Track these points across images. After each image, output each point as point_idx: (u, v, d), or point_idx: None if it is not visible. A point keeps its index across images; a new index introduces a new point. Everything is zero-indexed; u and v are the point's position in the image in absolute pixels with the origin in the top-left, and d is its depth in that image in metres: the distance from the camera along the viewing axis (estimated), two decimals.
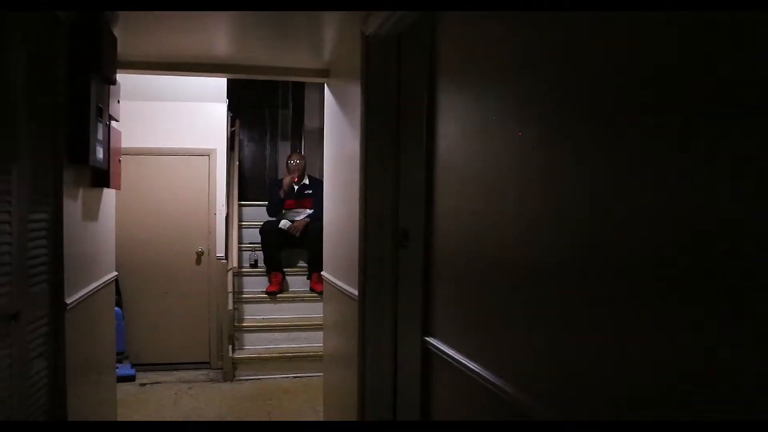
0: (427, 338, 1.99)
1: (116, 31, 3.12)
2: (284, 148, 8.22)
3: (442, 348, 1.88)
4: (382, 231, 2.82)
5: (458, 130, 1.83)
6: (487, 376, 1.56)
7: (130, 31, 3.20)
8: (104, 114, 3.00)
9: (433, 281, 1.98)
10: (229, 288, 5.48)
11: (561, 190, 1.26)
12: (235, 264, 5.72)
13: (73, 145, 2.66)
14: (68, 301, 2.62)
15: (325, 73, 3.91)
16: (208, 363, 5.51)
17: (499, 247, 1.54)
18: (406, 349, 2.69)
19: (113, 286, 3.76)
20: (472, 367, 1.66)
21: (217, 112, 5.55)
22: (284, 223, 5.73)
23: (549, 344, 1.31)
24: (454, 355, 1.79)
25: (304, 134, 7.99)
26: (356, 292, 2.94)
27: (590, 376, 1.17)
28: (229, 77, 4.98)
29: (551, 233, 1.30)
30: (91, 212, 3.15)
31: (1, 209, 1.97)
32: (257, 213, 6.30)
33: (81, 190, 2.91)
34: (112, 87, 3.15)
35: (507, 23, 1.52)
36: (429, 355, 1.98)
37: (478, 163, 1.67)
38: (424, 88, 2.11)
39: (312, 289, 5.76)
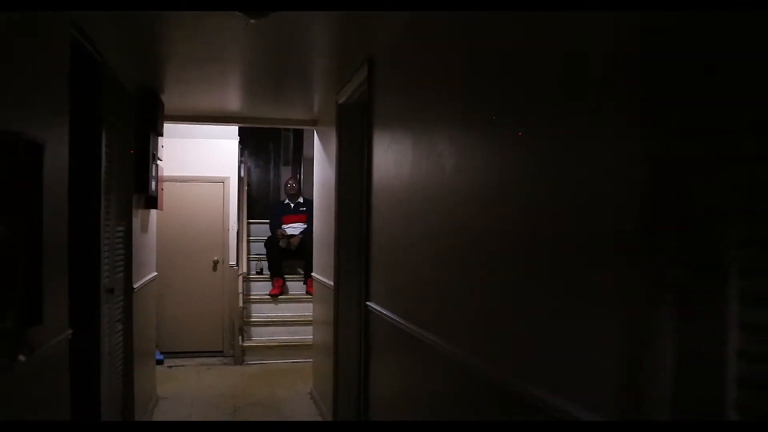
0: (366, 302, 3.20)
1: (163, 97, 4.38)
2: (286, 173, 9.52)
3: (375, 307, 3.08)
4: (349, 239, 4.03)
5: (384, 162, 3.02)
6: (400, 320, 2.69)
7: (171, 96, 4.45)
8: (155, 157, 4.26)
9: (370, 266, 3.20)
10: (240, 290, 6.71)
11: (441, 201, 2.46)
12: (245, 270, 6.96)
13: (138, 181, 3.92)
14: (135, 286, 3.85)
15: (314, 122, 5.19)
16: (222, 351, 6.71)
17: (406, 244, 2.72)
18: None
19: (155, 283, 4.99)
20: (391, 316, 2.82)
21: (230, 147, 6.82)
22: (283, 242, 6.95)
23: (434, 303, 2.48)
24: (381, 310, 2.98)
25: (302, 161, 9.25)
26: (332, 283, 4.17)
27: (449, 313, 2.32)
28: (240, 126, 6.26)
29: (434, 234, 2.47)
30: (144, 226, 4.39)
31: (106, 223, 3.21)
32: (263, 229, 7.54)
33: (140, 211, 4.16)
34: (159, 137, 4.41)
35: (401, 99, 2.74)
36: (367, 312, 3.19)
37: (395, 182, 2.84)
38: (365, 139, 3.34)
39: (307, 292, 6.95)
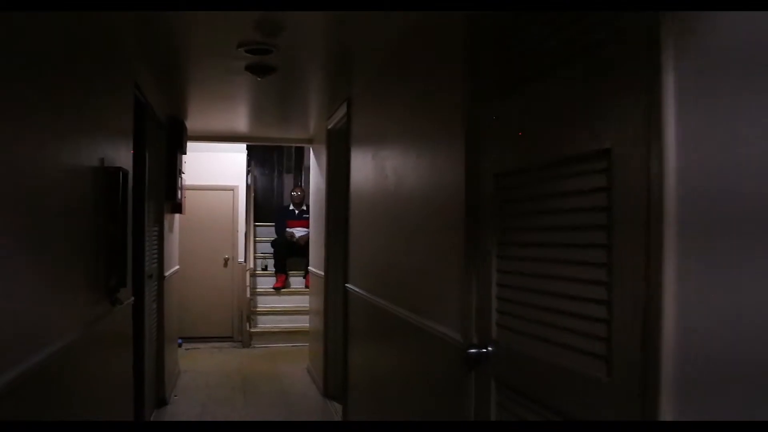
0: (346, 284, 4.19)
1: (186, 123, 5.39)
2: (288, 180, 10.53)
3: (352, 287, 4.06)
4: (336, 235, 5.02)
5: (357, 175, 4.01)
6: (368, 295, 3.67)
7: (193, 121, 5.45)
8: (180, 171, 5.26)
9: (349, 255, 4.18)
10: (247, 284, 7.71)
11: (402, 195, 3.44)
12: (252, 266, 7.96)
13: (168, 191, 4.92)
14: (165, 274, 4.85)
15: (310, 141, 6.19)
16: (231, 337, 7.71)
17: (369, 235, 3.69)
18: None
19: (178, 275, 5.99)
20: (363, 292, 3.80)
21: (239, 159, 7.85)
22: (289, 237, 7.95)
23: (381, 275, 3.46)
24: (356, 290, 3.96)
25: (303, 169, 10.24)
26: (323, 273, 5.16)
27: (385, 279, 3.31)
28: (248, 144, 7.30)
29: (380, 227, 3.46)
30: (171, 227, 5.40)
31: (147, 224, 4.19)
32: (268, 231, 8.56)
33: (167, 215, 5.16)
34: (183, 155, 5.41)
35: (367, 130, 3.71)
36: (346, 292, 4.18)
37: (363, 190, 3.83)
38: (346, 157, 4.33)
39: (306, 286, 7.93)
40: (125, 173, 2.66)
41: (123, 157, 2.92)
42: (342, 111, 4.40)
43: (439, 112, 2.40)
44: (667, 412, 1.18)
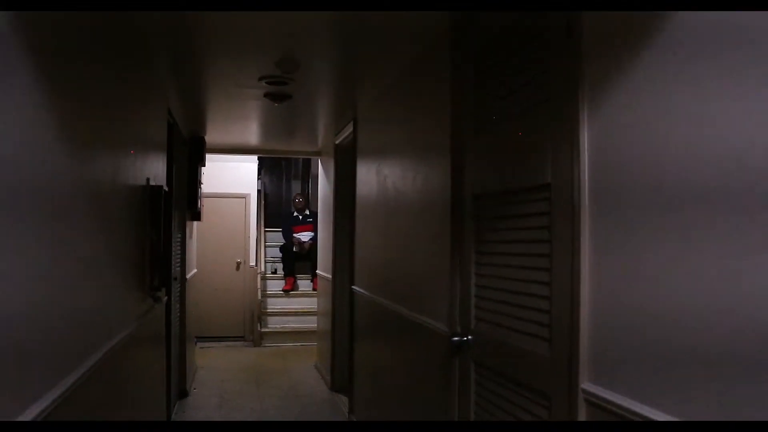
0: (352, 286, 4.65)
1: (205, 137, 5.86)
2: (296, 187, 11.00)
3: (357, 289, 4.52)
4: (343, 240, 5.48)
5: (362, 185, 4.47)
6: (372, 295, 4.13)
7: (211, 135, 5.93)
8: (200, 182, 5.73)
9: (354, 259, 4.64)
10: (258, 286, 8.17)
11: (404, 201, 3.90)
12: (262, 270, 8.43)
13: (190, 201, 5.39)
14: (187, 276, 5.32)
15: (318, 153, 6.67)
16: (243, 336, 8.17)
17: (373, 240, 4.15)
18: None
19: (197, 278, 6.47)
20: (367, 293, 4.25)
21: (251, 168, 8.32)
22: (296, 247, 8.42)
23: (382, 277, 3.91)
24: (361, 291, 4.41)
25: (310, 177, 10.72)
26: (330, 276, 5.62)
27: (387, 280, 3.76)
28: (259, 155, 7.79)
29: (381, 232, 3.91)
30: (191, 234, 5.87)
31: (173, 230, 4.66)
32: (277, 236, 9.02)
33: (188, 222, 5.63)
34: (203, 167, 5.88)
35: (371, 146, 4.17)
36: (352, 293, 4.64)
37: (368, 199, 4.29)
38: (352, 167, 4.79)
39: (314, 289, 8.39)
40: (165, 190, 3.13)
41: (160, 174, 3.39)
42: (349, 129, 4.87)
43: (431, 140, 2.86)
44: (584, 376, 1.64)
